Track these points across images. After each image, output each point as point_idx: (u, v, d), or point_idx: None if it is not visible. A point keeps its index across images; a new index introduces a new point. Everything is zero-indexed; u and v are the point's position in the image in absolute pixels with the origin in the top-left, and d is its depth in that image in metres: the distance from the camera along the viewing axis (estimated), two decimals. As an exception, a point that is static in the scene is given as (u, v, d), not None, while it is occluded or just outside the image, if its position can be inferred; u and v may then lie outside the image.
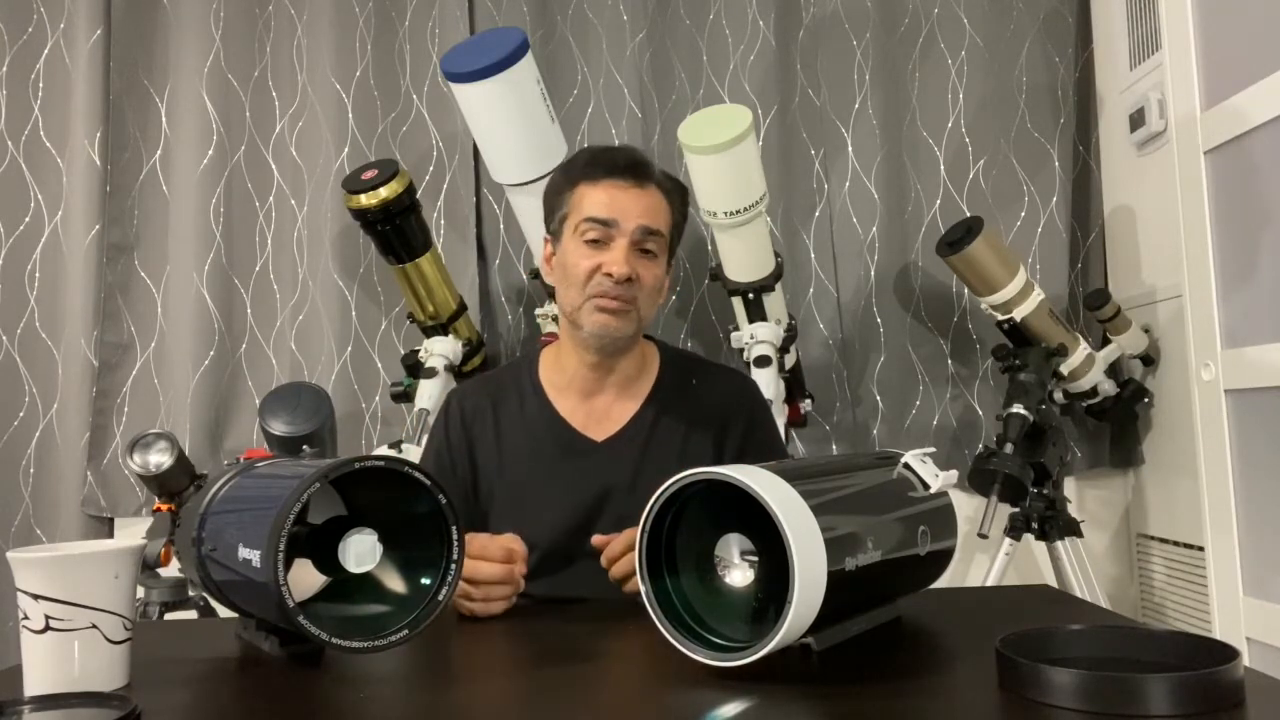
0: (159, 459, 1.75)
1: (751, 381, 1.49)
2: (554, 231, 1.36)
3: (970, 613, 1.03)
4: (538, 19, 2.39)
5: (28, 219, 2.37)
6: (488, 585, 1.07)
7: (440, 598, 0.84)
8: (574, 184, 1.33)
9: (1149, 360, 2.21)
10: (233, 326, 2.37)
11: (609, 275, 1.27)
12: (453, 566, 0.85)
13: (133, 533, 2.19)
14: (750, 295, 1.98)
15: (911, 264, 2.39)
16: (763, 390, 1.58)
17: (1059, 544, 2.04)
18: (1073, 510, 2.11)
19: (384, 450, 2.16)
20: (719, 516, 0.82)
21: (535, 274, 2.20)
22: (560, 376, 1.38)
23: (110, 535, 2.33)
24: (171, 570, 1.80)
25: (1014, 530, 2.07)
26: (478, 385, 1.45)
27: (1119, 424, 2.30)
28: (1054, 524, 2.04)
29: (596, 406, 1.36)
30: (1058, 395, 2.17)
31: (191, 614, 1.86)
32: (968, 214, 2.30)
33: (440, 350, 2.04)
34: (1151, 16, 2.14)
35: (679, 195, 1.37)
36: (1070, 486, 2.33)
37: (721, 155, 1.77)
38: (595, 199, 1.30)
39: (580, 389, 1.36)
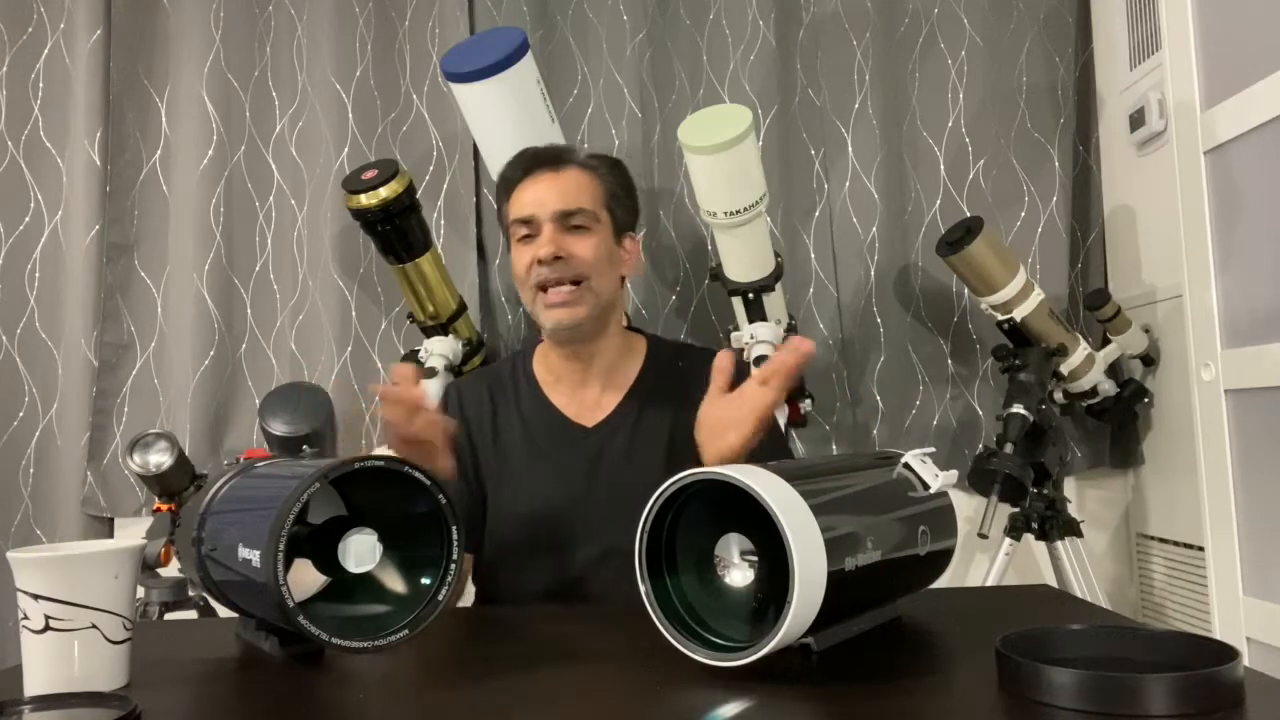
0: (159, 459, 1.75)
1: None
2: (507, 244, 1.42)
3: (970, 613, 1.03)
4: (538, 19, 2.38)
5: (28, 219, 2.37)
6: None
7: (440, 598, 0.84)
8: (509, 192, 1.38)
9: (1149, 360, 2.21)
10: (233, 326, 2.36)
11: (540, 262, 1.31)
12: (452, 566, 0.85)
13: (133, 533, 2.19)
14: (750, 295, 1.98)
15: (911, 264, 2.39)
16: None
17: (1059, 544, 2.04)
18: (1073, 510, 2.11)
19: (384, 450, 2.16)
20: (719, 516, 0.82)
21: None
22: (549, 372, 1.43)
23: (110, 535, 2.32)
24: (171, 570, 1.80)
25: (1014, 530, 2.06)
26: (476, 377, 1.50)
27: (1119, 424, 2.29)
28: (1054, 524, 2.04)
29: (587, 398, 1.40)
30: (1058, 395, 2.17)
31: (191, 614, 1.86)
32: (968, 214, 2.30)
33: (440, 350, 2.04)
34: (1151, 16, 2.13)
35: (608, 166, 1.40)
36: (1070, 486, 2.33)
37: (721, 155, 1.77)
38: (519, 200, 1.36)
39: (569, 382, 1.40)
